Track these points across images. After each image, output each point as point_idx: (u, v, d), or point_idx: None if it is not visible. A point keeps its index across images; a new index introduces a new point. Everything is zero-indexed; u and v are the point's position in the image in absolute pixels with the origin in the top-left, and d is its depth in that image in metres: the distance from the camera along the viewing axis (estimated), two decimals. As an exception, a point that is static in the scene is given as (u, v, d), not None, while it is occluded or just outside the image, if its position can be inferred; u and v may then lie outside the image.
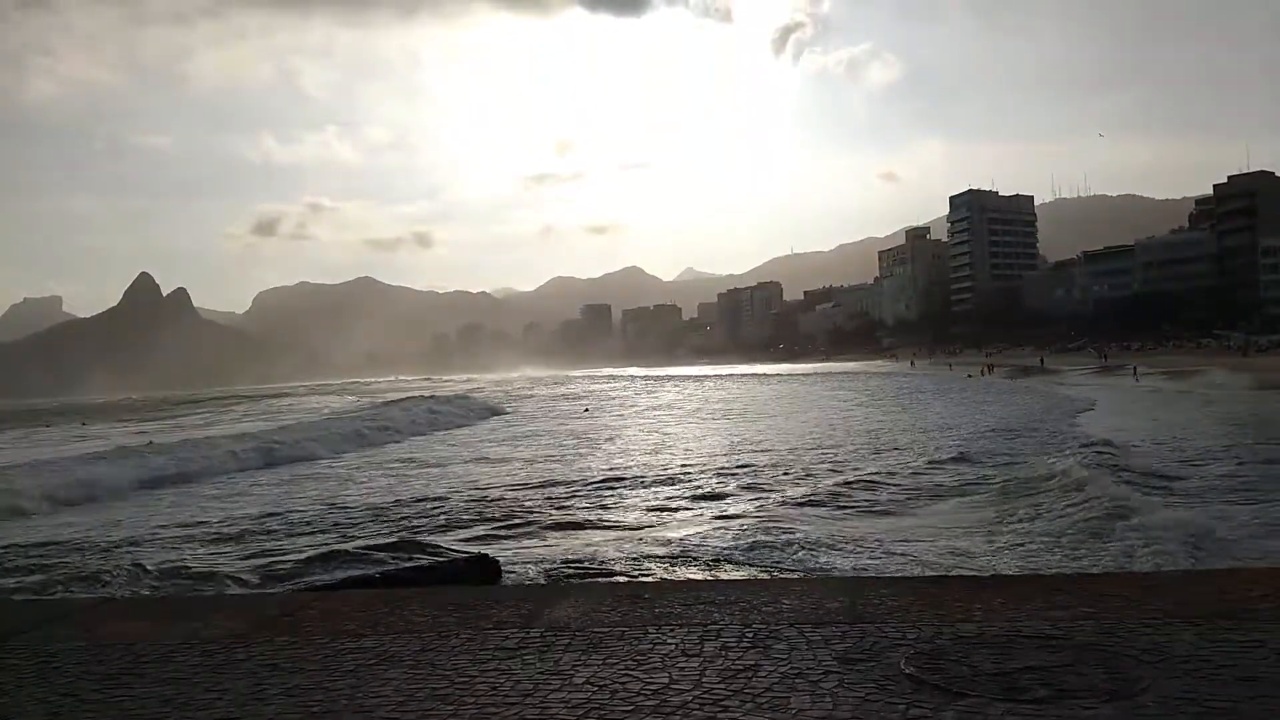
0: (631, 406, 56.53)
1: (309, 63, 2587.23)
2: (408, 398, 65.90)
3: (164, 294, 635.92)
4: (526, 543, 13.37)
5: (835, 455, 23.87)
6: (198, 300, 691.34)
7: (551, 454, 27.65)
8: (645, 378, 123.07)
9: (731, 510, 15.65)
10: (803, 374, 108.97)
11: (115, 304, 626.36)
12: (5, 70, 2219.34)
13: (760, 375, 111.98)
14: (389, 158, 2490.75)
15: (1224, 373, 54.84)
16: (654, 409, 51.99)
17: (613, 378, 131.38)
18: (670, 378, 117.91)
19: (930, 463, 21.21)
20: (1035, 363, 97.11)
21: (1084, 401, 41.16)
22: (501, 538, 13.76)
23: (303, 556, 12.02)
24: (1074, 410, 36.55)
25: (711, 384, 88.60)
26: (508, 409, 56.77)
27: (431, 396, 65.15)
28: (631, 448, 28.85)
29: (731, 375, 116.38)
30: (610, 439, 32.81)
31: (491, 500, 17.71)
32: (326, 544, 13.19)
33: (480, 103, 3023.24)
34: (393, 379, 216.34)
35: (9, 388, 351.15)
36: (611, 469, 22.66)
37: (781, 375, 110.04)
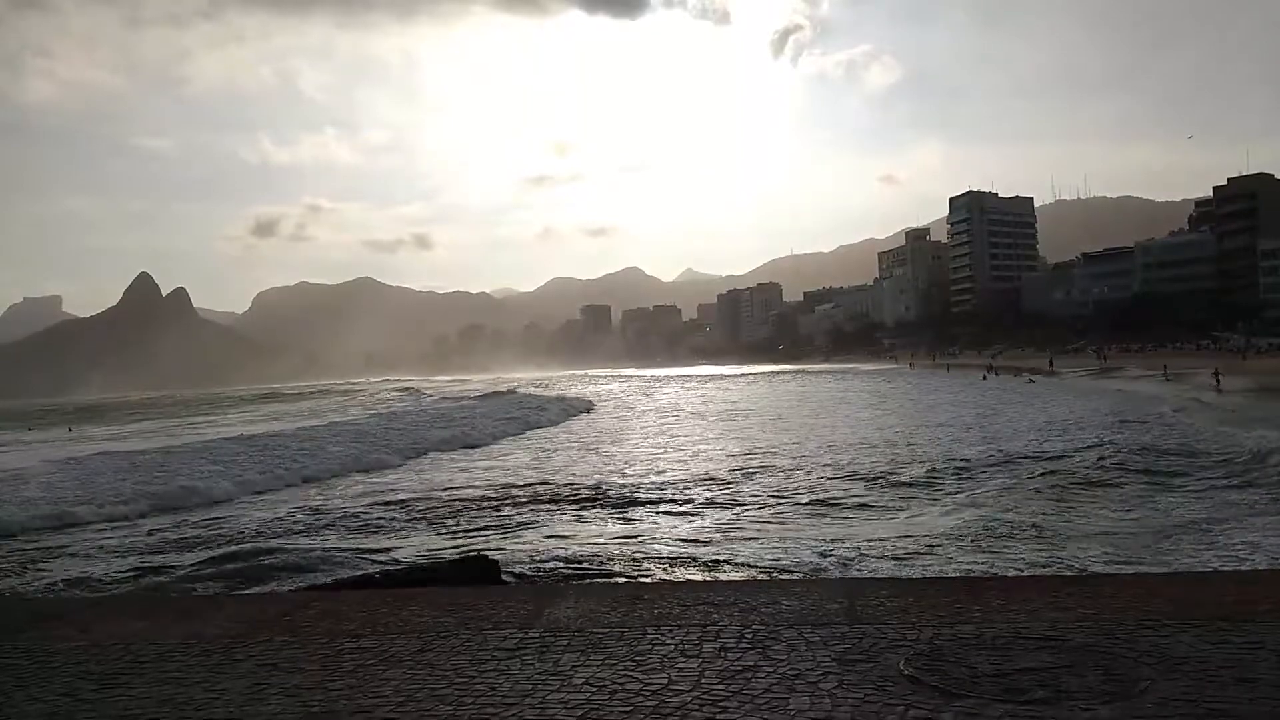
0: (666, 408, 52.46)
1: (307, 65, 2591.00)
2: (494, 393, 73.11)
3: (163, 294, 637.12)
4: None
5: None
6: (197, 301, 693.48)
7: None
8: (663, 378, 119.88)
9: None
10: (817, 374, 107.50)
11: (115, 304, 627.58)
12: (4, 72, 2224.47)
13: (775, 374, 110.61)
14: (387, 159, 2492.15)
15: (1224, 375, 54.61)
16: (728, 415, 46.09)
17: (651, 379, 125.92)
18: (677, 378, 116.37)
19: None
20: (1042, 364, 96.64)
21: (1147, 399, 38.95)
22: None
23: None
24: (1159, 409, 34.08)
25: (723, 384, 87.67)
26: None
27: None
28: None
29: (744, 375, 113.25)
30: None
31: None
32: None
33: (478, 105, 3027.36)
34: (398, 379, 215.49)
35: (8, 388, 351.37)
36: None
37: (795, 373, 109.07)
